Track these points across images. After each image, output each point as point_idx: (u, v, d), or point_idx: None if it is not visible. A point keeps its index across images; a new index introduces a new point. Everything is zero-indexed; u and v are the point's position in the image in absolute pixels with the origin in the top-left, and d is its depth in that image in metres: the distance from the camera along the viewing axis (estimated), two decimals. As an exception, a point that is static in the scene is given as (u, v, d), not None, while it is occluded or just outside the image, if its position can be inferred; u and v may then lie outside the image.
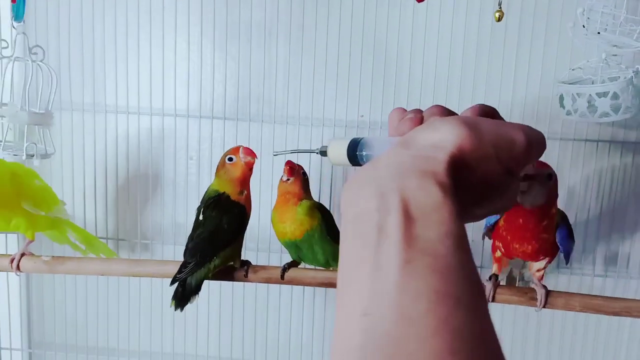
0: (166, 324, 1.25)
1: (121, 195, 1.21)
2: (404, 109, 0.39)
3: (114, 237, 1.22)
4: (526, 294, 0.95)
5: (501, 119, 0.39)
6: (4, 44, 0.90)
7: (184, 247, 0.96)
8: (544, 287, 0.94)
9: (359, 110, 1.13)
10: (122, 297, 1.25)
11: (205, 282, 0.94)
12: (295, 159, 1.03)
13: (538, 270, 0.95)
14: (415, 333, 0.24)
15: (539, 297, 0.93)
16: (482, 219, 0.37)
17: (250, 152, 0.94)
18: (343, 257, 0.30)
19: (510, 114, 1.10)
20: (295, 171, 0.95)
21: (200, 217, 0.95)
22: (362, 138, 0.41)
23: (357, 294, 0.27)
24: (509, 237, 0.92)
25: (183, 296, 0.91)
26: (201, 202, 0.97)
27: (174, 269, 0.93)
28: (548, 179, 0.85)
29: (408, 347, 0.24)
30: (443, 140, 0.32)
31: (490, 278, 0.95)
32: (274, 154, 0.52)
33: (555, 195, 0.88)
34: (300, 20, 1.12)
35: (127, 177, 1.20)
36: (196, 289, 0.92)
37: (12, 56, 0.87)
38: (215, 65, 1.16)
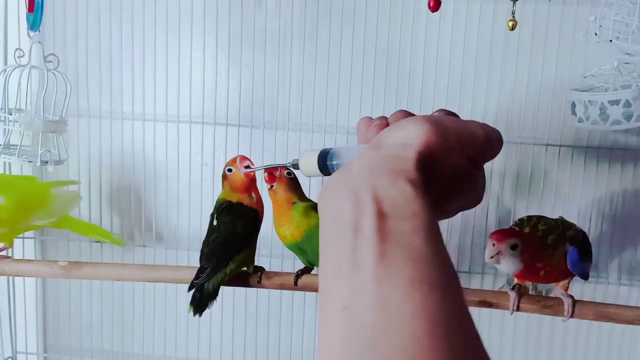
0: (180, 329, 1.26)
1: (135, 201, 1.23)
2: (370, 118, 0.40)
3: (129, 243, 1.24)
4: (541, 303, 0.94)
5: None
6: (19, 53, 0.92)
7: (199, 253, 0.97)
8: (571, 296, 0.93)
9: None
10: (137, 302, 1.26)
11: (229, 290, 0.95)
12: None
13: (564, 286, 0.94)
14: (393, 320, 0.25)
15: (565, 307, 0.91)
16: (454, 214, 0.39)
17: (246, 161, 0.94)
18: (322, 257, 0.31)
19: (523, 121, 1.11)
20: (275, 177, 0.94)
21: (215, 223, 0.96)
22: (331, 148, 0.42)
23: (337, 290, 0.28)
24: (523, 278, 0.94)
25: (201, 301, 0.91)
26: (214, 209, 0.99)
27: (189, 274, 0.94)
28: (512, 248, 0.84)
29: (387, 333, 0.25)
30: (410, 138, 0.33)
31: (513, 288, 0.94)
32: (248, 170, 0.53)
33: (534, 251, 0.86)
34: (314, 28, 1.14)
35: (143, 183, 1.22)
36: (213, 294, 0.93)
37: (27, 64, 0.89)
38: (230, 73, 1.17)
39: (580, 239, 0.91)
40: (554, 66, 1.09)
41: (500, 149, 0.37)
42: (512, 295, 0.92)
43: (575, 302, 0.92)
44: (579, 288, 1.14)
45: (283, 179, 0.95)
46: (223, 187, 0.98)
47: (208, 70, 1.18)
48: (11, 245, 0.98)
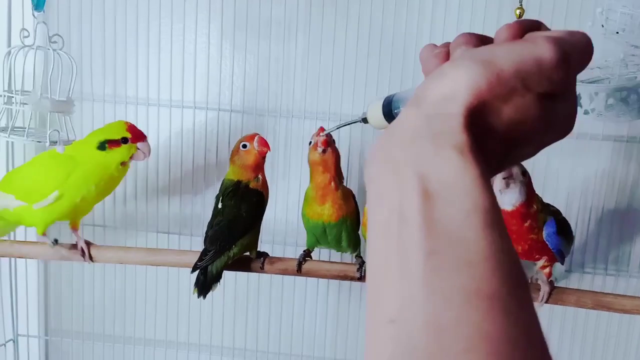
0: (182, 313, 1.27)
1: (139, 186, 1.23)
2: (434, 45, 0.33)
3: (122, 227, 1.24)
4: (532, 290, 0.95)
5: (546, 29, 0.32)
6: (25, 33, 0.91)
7: (203, 236, 0.97)
8: (550, 284, 0.94)
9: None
10: (139, 286, 1.27)
11: (230, 275, 0.95)
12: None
13: (542, 268, 0.96)
14: (446, 345, 0.21)
15: (541, 293, 0.94)
16: (536, 153, 0.31)
17: (264, 143, 0.96)
18: (370, 251, 0.26)
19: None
20: (330, 143, 0.93)
21: (219, 206, 0.97)
22: (395, 94, 0.38)
23: (384, 296, 0.24)
24: None
25: (205, 284, 0.92)
26: (220, 191, 0.99)
27: (192, 258, 0.95)
28: (522, 175, 0.86)
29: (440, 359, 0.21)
30: (455, 89, 0.27)
31: None
32: (325, 132, 0.49)
33: (532, 192, 0.89)
34: (320, 15, 1.13)
35: (146, 169, 1.22)
36: (217, 277, 0.94)
37: (33, 45, 0.88)
38: (235, 59, 1.17)
39: (561, 217, 0.93)
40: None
41: (587, 61, 0.30)
42: None
43: (553, 290, 0.93)
44: (576, 278, 1.16)
45: (335, 152, 0.94)
46: (230, 163, 0.98)
47: (212, 56, 1.17)
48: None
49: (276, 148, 1.16)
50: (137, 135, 0.93)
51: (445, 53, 0.32)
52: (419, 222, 0.24)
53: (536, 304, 0.93)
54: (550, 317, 1.19)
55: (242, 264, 1.00)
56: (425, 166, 0.25)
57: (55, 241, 0.98)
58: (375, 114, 0.38)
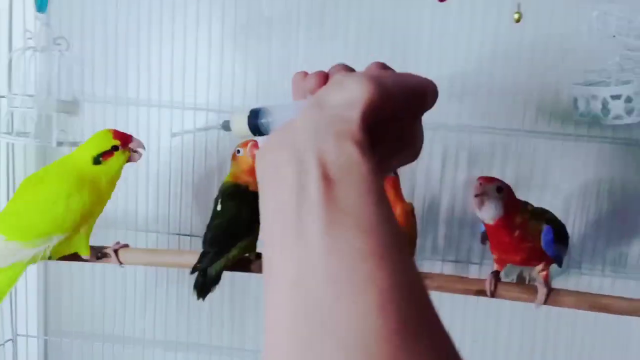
0: (181, 314, 1.27)
1: (140, 187, 1.23)
2: (306, 72, 0.39)
3: (123, 227, 1.25)
4: (530, 292, 0.96)
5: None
6: (28, 35, 0.91)
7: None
8: (547, 285, 0.95)
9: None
10: (139, 287, 1.27)
11: (228, 275, 0.96)
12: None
13: (540, 271, 0.97)
14: (344, 295, 0.25)
15: (539, 295, 0.94)
16: (393, 171, 0.40)
17: (256, 146, 0.96)
18: (266, 228, 0.30)
19: (524, 114, 1.12)
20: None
21: (219, 207, 0.97)
22: (262, 106, 0.40)
23: (284, 265, 0.27)
24: (495, 250, 0.96)
25: (204, 286, 0.93)
26: (219, 193, 1.00)
27: (191, 259, 0.95)
28: (497, 191, 0.87)
29: (338, 309, 0.25)
30: (354, 97, 0.32)
31: (491, 273, 0.96)
32: (172, 135, 0.51)
33: (514, 205, 0.89)
34: (321, 14, 1.14)
35: (147, 169, 1.22)
36: (216, 279, 0.94)
37: (37, 47, 0.89)
38: (236, 60, 1.18)
39: (558, 223, 0.94)
40: (557, 60, 1.10)
41: (436, 100, 0.36)
42: (488, 280, 0.95)
43: (550, 291, 0.94)
44: (574, 280, 1.16)
45: (389, 179, 0.95)
46: (231, 167, 0.99)
47: (214, 56, 1.18)
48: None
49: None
50: (125, 139, 0.93)
51: (323, 78, 0.37)
52: (319, 199, 0.28)
53: (534, 306, 0.94)
54: (547, 319, 1.19)
55: (242, 265, 1.00)
56: (326, 155, 0.29)
57: (100, 256, 0.98)
58: (240, 122, 0.40)
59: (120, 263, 1.00)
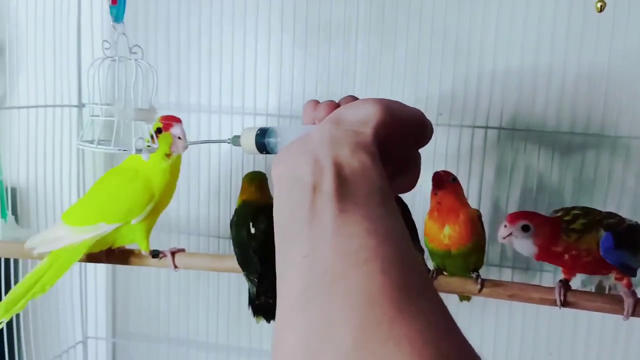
0: (242, 319, 1.27)
1: (202, 191, 1.25)
2: (317, 101, 0.43)
3: (186, 232, 1.26)
4: (615, 302, 0.89)
5: None
6: (106, 45, 0.93)
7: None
8: (633, 295, 0.88)
9: (437, 109, 1.11)
10: (202, 291, 1.28)
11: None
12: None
13: (617, 279, 0.89)
14: (350, 263, 0.28)
15: (625, 306, 0.87)
16: (404, 192, 0.43)
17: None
18: (279, 217, 0.34)
19: (604, 101, 1.05)
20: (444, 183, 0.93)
21: (252, 230, 0.95)
22: (271, 127, 0.43)
23: (296, 244, 0.30)
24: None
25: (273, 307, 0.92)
26: (244, 216, 0.98)
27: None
28: (524, 230, 0.83)
29: (345, 274, 0.27)
30: (367, 115, 0.36)
31: (559, 281, 0.90)
32: (182, 144, 0.52)
33: (551, 234, 0.84)
34: (380, 18, 1.12)
35: (208, 173, 1.23)
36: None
37: (115, 56, 0.91)
38: (295, 65, 1.17)
39: (622, 228, 0.86)
40: (637, 51, 1.02)
41: (432, 133, 0.40)
42: (556, 289, 0.89)
43: (637, 302, 0.87)
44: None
45: (449, 186, 0.93)
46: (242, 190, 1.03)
47: (273, 63, 1.18)
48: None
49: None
50: (168, 123, 0.93)
51: (334, 106, 0.41)
52: (333, 193, 0.31)
53: (623, 317, 0.87)
54: (630, 329, 1.11)
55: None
56: (341, 160, 0.33)
57: (156, 253, 1.00)
58: (249, 139, 0.43)
59: (175, 267, 1.01)
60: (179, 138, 0.93)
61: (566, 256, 0.85)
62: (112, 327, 1.38)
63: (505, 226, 0.85)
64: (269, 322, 0.92)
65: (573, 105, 1.07)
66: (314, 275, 0.28)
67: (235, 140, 0.44)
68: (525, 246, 0.85)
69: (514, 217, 0.85)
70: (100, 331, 1.36)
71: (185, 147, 0.95)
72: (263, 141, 0.42)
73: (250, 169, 1.18)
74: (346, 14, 1.13)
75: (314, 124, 0.42)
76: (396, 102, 0.39)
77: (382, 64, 1.13)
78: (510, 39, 1.07)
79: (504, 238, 0.85)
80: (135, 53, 0.83)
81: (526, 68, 1.07)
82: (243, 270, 0.95)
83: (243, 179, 1.03)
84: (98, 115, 0.86)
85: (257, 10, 1.15)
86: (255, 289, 0.92)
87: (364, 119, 0.36)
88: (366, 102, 0.38)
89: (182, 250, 1.02)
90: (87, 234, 0.94)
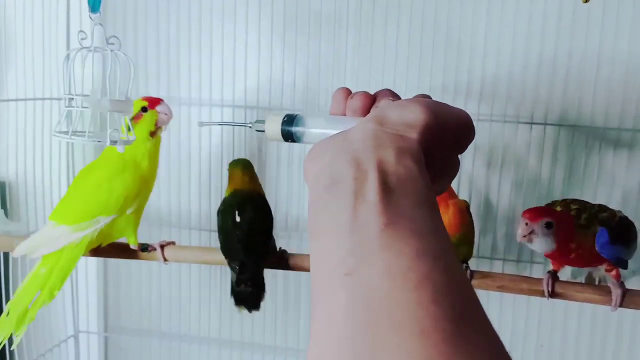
0: (234, 312, 1.27)
1: (193, 184, 1.24)
2: (349, 89, 0.41)
3: (177, 225, 1.26)
4: (604, 293, 0.89)
5: None
6: (82, 35, 0.93)
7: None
8: (621, 286, 0.88)
9: (429, 101, 1.11)
10: (194, 285, 1.28)
11: (270, 275, 0.96)
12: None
13: (607, 271, 0.90)
14: (399, 287, 0.26)
15: (614, 297, 0.87)
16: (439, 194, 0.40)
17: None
18: (317, 222, 0.31)
19: (594, 97, 1.05)
20: None
21: (237, 219, 0.95)
22: (299, 114, 0.41)
23: (337, 255, 0.28)
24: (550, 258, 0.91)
25: (257, 295, 0.92)
26: (230, 204, 0.98)
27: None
28: (547, 227, 0.82)
29: (394, 300, 0.25)
30: (413, 119, 0.34)
31: (548, 272, 0.91)
32: (199, 124, 0.51)
33: (569, 232, 0.83)
34: (371, 11, 1.11)
35: (199, 166, 1.23)
36: (264, 285, 0.93)
37: (90, 47, 0.90)
38: (285, 58, 1.17)
39: (615, 222, 0.86)
40: (627, 43, 1.02)
41: (474, 135, 0.38)
42: (544, 280, 0.89)
43: (625, 292, 0.87)
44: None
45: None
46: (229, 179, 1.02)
47: (263, 56, 1.17)
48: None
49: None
50: (154, 101, 0.96)
51: (370, 99, 0.39)
52: (378, 202, 0.29)
53: (610, 309, 0.88)
54: (620, 320, 1.12)
55: (283, 265, 0.99)
56: (386, 166, 0.31)
57: (145, 247, 1.00)
58: (274, 126, 0.41)
59: (165, 260, 1.00)
60: (165, 114, 0.95)
61: (573, 254, 0.85)
62: (103, 321, 1.37)
63: (527, 224, 0.82)
64: (250, 312, 0.92)
65: (563, 96, 1.07)
66: (359, 296, 0.26)
67: (257, 125, 0.43)
68: (545, 243, 0.82)
69: (534, 215, 0.83)
70: (91, 325, 1.36)
71: (170, 119, 0.97)
72: (289, 129, 0.41)
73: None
74: (337, 6, 1.12)
75: (344, 114, 0.40)
76: (443, 104, 0.37)
77: (373, 57, 1.12)
78: (500, 30, 1.07)
79: (524, 237, 0.82)
80: (112, 44, 0.82)
81: (516, 60, 1.07)
82: (225, 257, 0.95)
83: (232, 166, 1.03)
84: (73, 107, 0.86)
85: (247, 3, 1.15)
86: (236, 277, 0.92)
87: (410, 122, 0.34)
88: (413, 103, 0.35)
89: (172, 243, 1.02)
90: (86, 230, 0.93)
